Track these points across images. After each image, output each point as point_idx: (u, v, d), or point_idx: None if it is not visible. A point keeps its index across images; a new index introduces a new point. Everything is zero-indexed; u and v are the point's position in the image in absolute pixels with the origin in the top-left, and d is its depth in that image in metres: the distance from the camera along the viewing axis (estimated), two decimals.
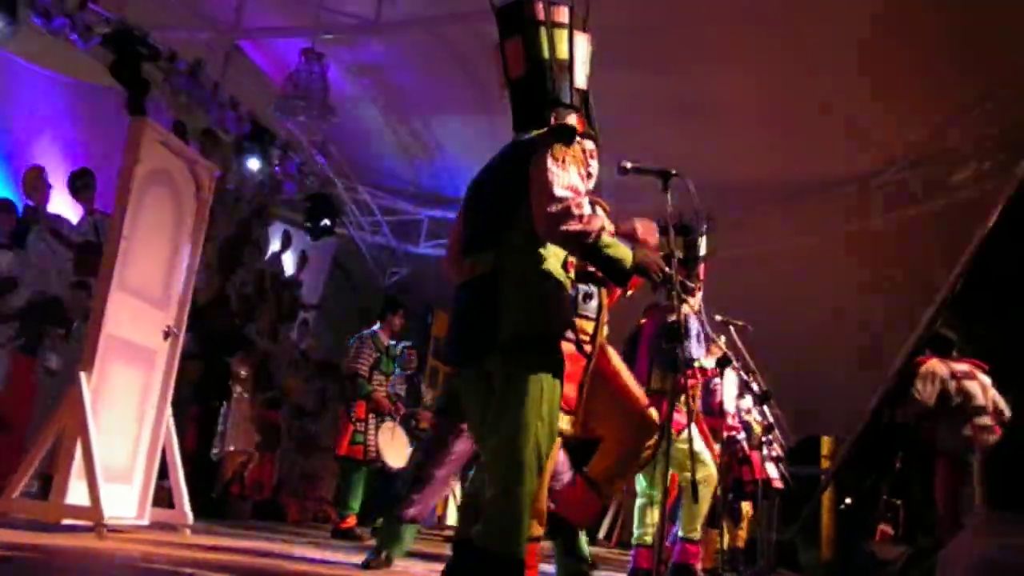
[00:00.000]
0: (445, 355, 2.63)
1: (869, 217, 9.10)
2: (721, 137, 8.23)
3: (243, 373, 7.30)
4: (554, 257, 2.52)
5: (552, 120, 2.65)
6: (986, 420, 5.60)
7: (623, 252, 2.52)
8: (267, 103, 8.45)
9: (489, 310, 2.43)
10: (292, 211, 9.80)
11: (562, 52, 2.69)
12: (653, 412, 3.06)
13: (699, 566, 4.33)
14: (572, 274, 2.61)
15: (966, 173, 8.47)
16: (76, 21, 6.62)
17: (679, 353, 2.83)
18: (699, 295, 4.69)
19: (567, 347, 2.95)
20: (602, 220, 2.57)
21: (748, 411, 6.66)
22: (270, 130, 8.67)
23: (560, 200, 2.42)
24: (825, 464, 11.61)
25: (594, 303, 3.18)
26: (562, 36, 2.70)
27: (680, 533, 4.28)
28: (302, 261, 9.84)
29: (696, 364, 4.49)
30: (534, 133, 2.64)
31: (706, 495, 4.23)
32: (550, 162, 2.46)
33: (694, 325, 4.33)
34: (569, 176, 2.48)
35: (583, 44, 2.76)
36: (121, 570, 2.78)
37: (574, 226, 2.42)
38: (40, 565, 2.70)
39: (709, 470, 4.26)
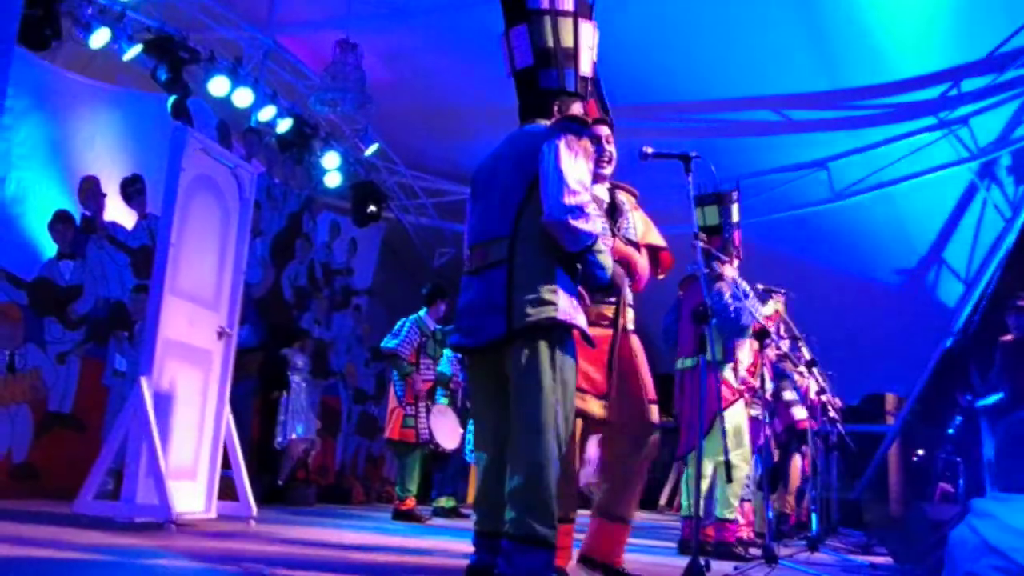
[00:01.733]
0: (455, 342, 2.64)
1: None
2: None
3: (300, 363, 7.50)
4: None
5: (557, 110, 2.67)
6: None
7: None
8: (307, 96, 8.60)
9: (504, 297, 2.46)
10: (339, 200, 9.95)
11: (567, 40, 2.70)
12: (654, 411, 3.07)
13: (743, 535, 4.34)
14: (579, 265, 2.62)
15: None
16: (116, 31, 6.82)
17: (705, 334, 2.83)
18: (736, 262, 4.68)
19: (594, 331, 3.00)
20: (604, 226, 2.67)
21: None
22: (311, 123, 8.82)
23: (575, 193, 2.46)
24: (890, 421, 11.47)
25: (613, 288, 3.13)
26: (567, 24, 2.71)
27: (716, 513, 4.30)
28: (352, 249, 10.02)
29: (753, 326, 4.47)
30: (543, 123, 2.66)
31: (739, 477, 4.23)
32: (564, 153, 2.49)
33: (734, 289, 4.31)
34: (581, 170, 2.51)
35: (588, 31, 2.76)
36: (188, 567, 2.94)
37: (582, 224, 2.47)
38: (111, 565, 2.87)
39: (745, 450, 4.27)
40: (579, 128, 2.57)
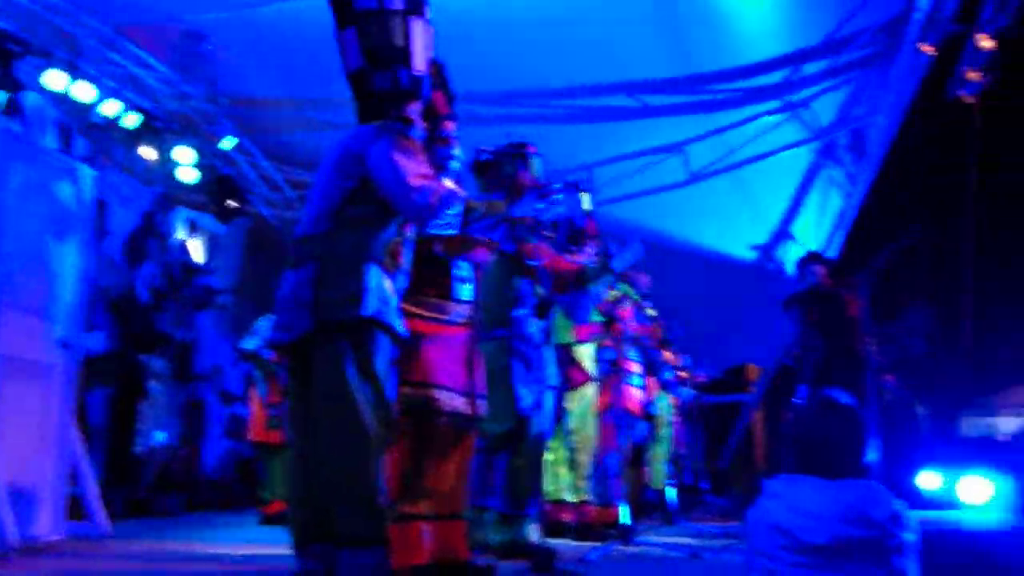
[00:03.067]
0: (270, 338, 2.63)
1: None
2: None
3: (160, 367, 7.21)
4: (382, 246, 2.56)
5: (391, 111, 2.67)
6: None
7: (496, 207, 2.67)
8: (155, 89, 8.22)
9: (311, 294, 2.45)
10: (196, 196, 9.57)
11: (398, 40, 2.68)
12: (483, 405, 3.14)
13: (593, 521, 4.48)
14: (402, 262, 2.64)
15: None
16: None
17: (549, 326, 2.90)
18: (591, 249, 4.77)
19: (451, 328, 3.04)
20: (462, 192, 2.62)
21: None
22: (162, 116, 8.44)
23: (418, 187, 2.47)
24: (752, 391, 12.02)
25: (469, 286, 3.22)
26: (397, 23, 2.69)
27: (566, 497, 4.42)
28: (212, 246, 9.68)
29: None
30: (373, 124, 2.65)
31: (581, 460, 4.35)
32: (396, 152, 2.50)
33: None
34: (417, 163, 2.52)
35: (421, 29, 2.74)
36: None
37: (440, 207, 2.50)
38: None
39: (587, 433, 4.40)
40: (404, 128, 2.59)
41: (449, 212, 2.48)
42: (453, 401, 3.03)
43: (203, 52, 7.64)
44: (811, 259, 5.86)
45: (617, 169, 9.47)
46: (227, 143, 9.13)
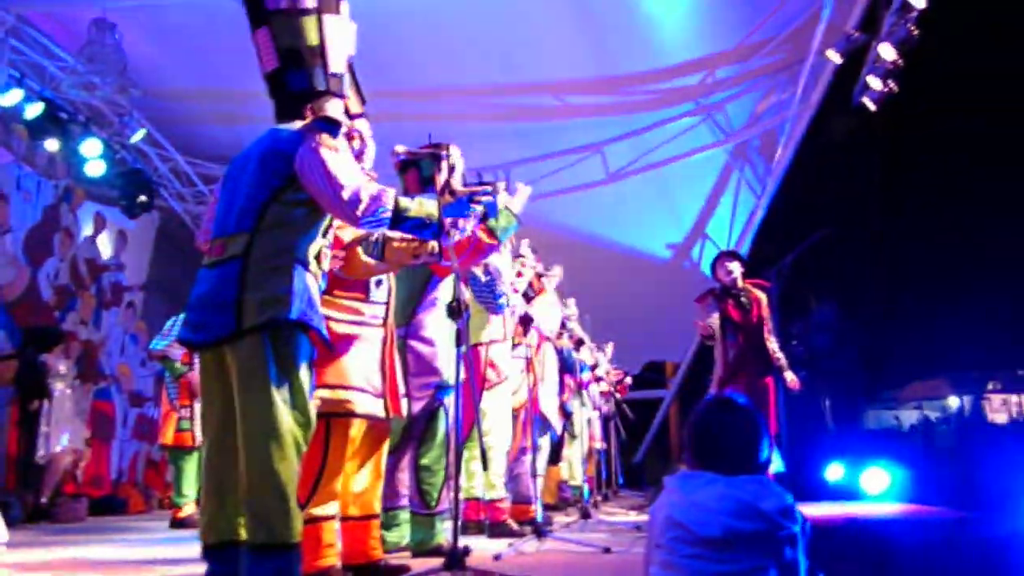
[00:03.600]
0: (182, 336, 2.56)
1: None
2: None
3: (63, 368, 6.95)
4: (307, 248, 2.53)
5: (309, 111, 2.63)
6: None
7: (428, 207, 2.58)
8: (61, 79, 7.92)
9: (234, 294, 2.40)
10: (105, 189, 9.27)
11: (312, 39, 2.64)
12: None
13: (508, 519, 4.53)
14: (324, 265, 2.62)
15: None
16: None
17: (462, 330, 2.93)
18: (507, 249, 4.82)
19: (366, 330, 3.03)
20: (392, 190, 2.58)
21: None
22: (67, 108, 8.13)
23: (348, 187, 2.45)
24: (670, 387, 12.32)
25: (384, 288, 3.22)
26: (311, 22, 2.65)
27: (481, 495, 4.45)
28: (121, 242, 9.38)
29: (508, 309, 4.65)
30: (297, 124, 2.61)
31: (496, 458, 4.40)
32: (324, 153, 2.47)
33: (503, 272, 4.44)
34: (346, 163, 2.50)
35: (336, 25, 2.71)
36: None
37: (371, 206, 2.47)
38: None
39: (502, 433, 4.44)
40: (331, 128, 2.55)
41: (379, 212, 2.47)
42: (368, 403, 3.02)
43: (112, 41, 7.38)
44: (726, 257, 6.04)
45: (537, 168, 9.55)
46: (137, 136, 8.86)
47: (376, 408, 3.06)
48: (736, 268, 5.94)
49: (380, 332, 3.15)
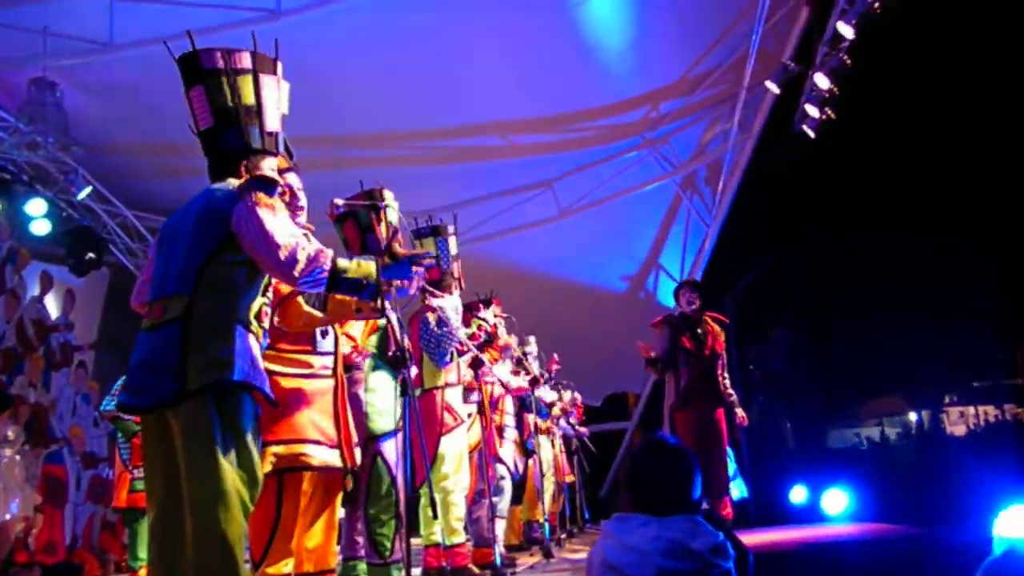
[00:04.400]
0: (123, 401, 2.55)
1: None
2: None
3: (11, 434, 6.80)
4: (249, 307, 2.55)
5: (243, 169, 2.66)
6: None
7: (366, 269, 2.61)
8: (2, 139, 7.84)
9: (176, 357, 2.41)
10: (51, 248, 9.14)
11: (248, 98, 2.69)
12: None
13: (470, 564, 4.51)
14: (265, 323, 2.63)
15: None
16: None
17: (407, 376, 2.94)
18: (457, 292, 4.85)
19: (316, 383, 3.03)
20: (330, 251, 2.61)
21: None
22: (10, 168, 8.05)
23: (285, 246, 2.47)
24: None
25: (330, 338, 3.24)
26: (246, 82, 2.70)
27: (442, 540, 4.44)
28: (69, 301, 9.24)
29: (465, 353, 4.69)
30: (231, 183, 2.63)
31: (455, 501, 4.39)
32: (261, 212, 2.49)
33: (441, 319, 4.46)
34: (283, 222, 2.53)
35: (272, 85, 2.76)
36: None
37: (308, 266, 2.49)
38: None
39: (461, 476, 4.44)
40: (267, 187, 2.57)
41: (316, 273, 2.48)
42: (323, 454, 3.02)
43: (52, 100, 7.34)
44: (689, 287, 6.18)
45: (488, 208, 9.65)
46: (83, 193, 8.77)
47: (332, 458, 3.05)
48: (697, 300, 6.04)
49: (330, 382, 3.16)
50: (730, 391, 5.93)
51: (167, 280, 2.57)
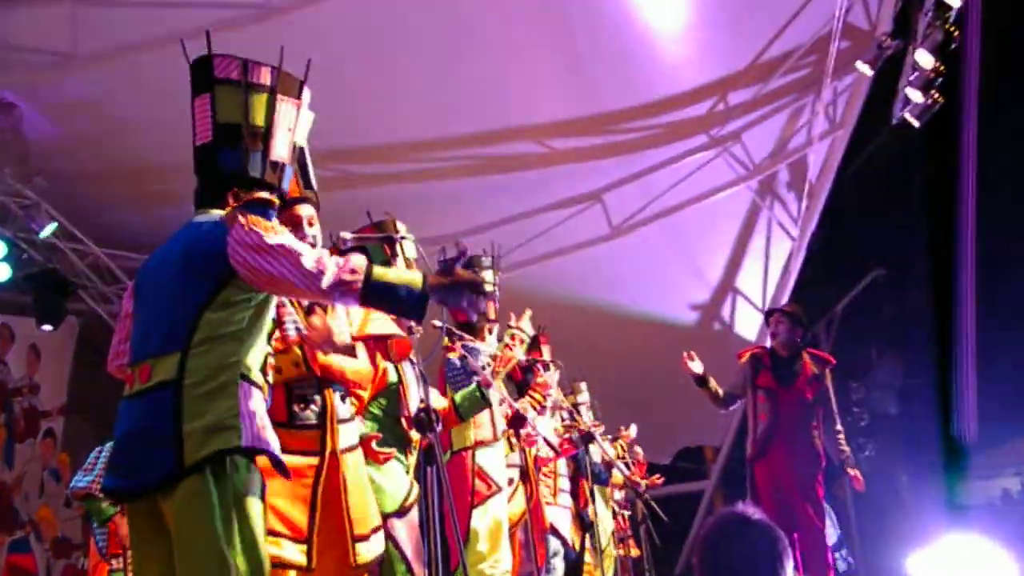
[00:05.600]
0: (109, 485, 2.57)
1: None
2: None
3: None
4: (252, 359, 2.58)
5: (231, 198, 2.72)
6: None
7: (409, 277, 2.60)
8: None
9: (169, 426, 2.43)
10: (13, 295, 9.38)
11: (257, 118, 2.77)
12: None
13: None
14: (271, 378, 2.67)
15: None
16: None
17: (435, 441, 2.96)
18: (492, 337, 4.90)
19: (292, 461, 2.95)
20: (361, 257, 2.63)
21: None
22: None
23: (308, 255, 2.51)
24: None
25: (315, 409, 3.17)
26: (261, 100, 2.79)
27: None
28: (34, 357, 9.46)
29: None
30: (216, 213, 2.69)
31: None
32: (260, 232, 2.53)
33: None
34: (290, 239, 2.58)
35: (290, 112, 2.85)
36: None
37: (338, 273, 2.51)
38: None
39: (500, 553, 4.46)
40: (261, 209, 2.64)
41: (349, 278, 2.47)
42: (283, 550, 2.95)
43: (9, 124, 7.58)
44: (772, 315, 6.28)
45: (527, 227, 9.68)
46: (48, 230, 9.00)
47: (291, 554, 2.97)
48: (784, 330, 6.09)
49: (312, 460, 3.10)
50: (843, 447, 5.93)
51: (152, 337, 2.60)
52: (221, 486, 2.42)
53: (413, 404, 3.74)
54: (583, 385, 7.60)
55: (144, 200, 9.17)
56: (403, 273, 2.65)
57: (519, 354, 4.77)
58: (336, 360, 3.20)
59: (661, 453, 11.20)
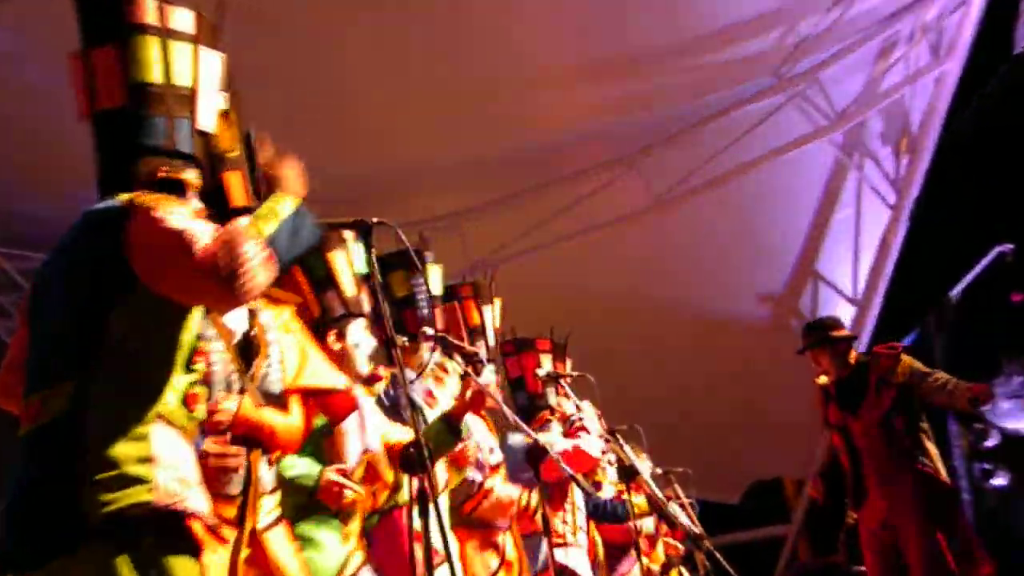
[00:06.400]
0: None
1: None
2: None
3: None
4: (168, 389, 2.52)
5: (145, 178, 2.65)
6: None
7: (273, 204, 2.62)
8: None
9: (63, 479, 2.38)
10: None
11: (182, 76, 2.74)
12: None
13: None
14: (198, 412, 2.63)
15: None
16: None
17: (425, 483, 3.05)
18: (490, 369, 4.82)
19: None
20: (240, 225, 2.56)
21: None
22: None
23: (196, 238, 2.41)
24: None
25: (238, 476, 3.20)
26: (184, 52, 2.76)
27: None
28: None
29: None
30: (124, 198, 2.59)
31: None
32: (164, 213, 2.47)
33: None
34: (191, 222, 2.49)
35: (214, 65, 2.83)
36: None
37: (233, 255, 2.39)
38: None
39: None
40: (174, 190, 2.64)
41: (250, 255, 2.39)
42: None
43: None
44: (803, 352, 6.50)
45: (542, 202, 9.66)
46: None
47: None
48: (825, 359, 6.27)
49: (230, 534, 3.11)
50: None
51: (43, 361, 2.57)
52: (137, 554, 2.38)
53: (353, 454, 3.79)
54: (586, 404, 7.53)
55: (55, 187, 9.11)
56: (268, 203, 2.64)
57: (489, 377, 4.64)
58: (267, 415, 3.23)
59: (725, 490, 11.07)
